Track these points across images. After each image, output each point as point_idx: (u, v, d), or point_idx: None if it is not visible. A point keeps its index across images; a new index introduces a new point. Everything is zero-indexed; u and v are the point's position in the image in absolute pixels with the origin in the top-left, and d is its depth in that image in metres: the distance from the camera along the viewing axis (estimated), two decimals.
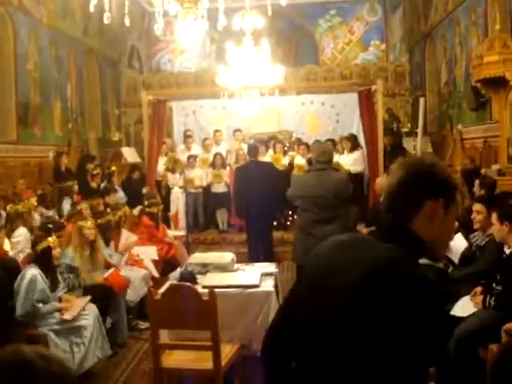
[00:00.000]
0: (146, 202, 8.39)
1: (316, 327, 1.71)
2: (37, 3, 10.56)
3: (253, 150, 8.92)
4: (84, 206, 7.20)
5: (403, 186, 1.77)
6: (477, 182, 7.01)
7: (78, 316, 5.02)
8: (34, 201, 7.71)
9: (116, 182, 10.37)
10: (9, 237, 6.37)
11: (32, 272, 4.99)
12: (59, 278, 5.38)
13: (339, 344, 1.63)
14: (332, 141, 11.20)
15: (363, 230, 7.85)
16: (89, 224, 6.11)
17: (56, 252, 5.24)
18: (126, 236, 6.98)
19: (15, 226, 6.62)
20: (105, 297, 5.76)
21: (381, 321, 1.54)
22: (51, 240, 5.21)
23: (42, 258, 5.14)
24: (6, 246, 6.18)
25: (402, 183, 1.77)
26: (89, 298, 5.28)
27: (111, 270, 6.19)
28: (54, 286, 5.22)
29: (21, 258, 6.07)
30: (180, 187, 10.81)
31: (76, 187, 9.42)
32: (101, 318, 5.27)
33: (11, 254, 6.18)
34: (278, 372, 1.99)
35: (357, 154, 10.84)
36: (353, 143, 10.93)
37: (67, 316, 4.96)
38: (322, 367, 1.69)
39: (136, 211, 8.67)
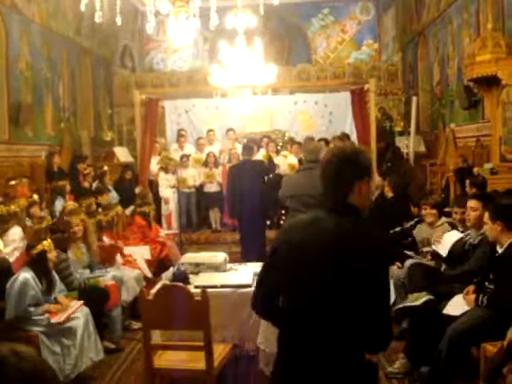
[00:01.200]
0: (138, 201, 8.39)
1: (307, 277, 2.42)
2: (28, 2, 10.52)
3: (248, 149, 8.91)
4: (70, 204, 7.19)
5: (341, 174, 2.47)
6: (467, 182, 7.04)
7: (66, 320, 4.99)
8: (25, 201, 7.68)
9: (108, 182, 10.34)
10: (1, 236, 6.34)
11: (25, 276, 4.96)
12: (57, 280, 5.35)
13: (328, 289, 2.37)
14: (325, 140, 11.20)
15: None
16: (77, 221, 6.10)
17: (52, 255, 5.21)
18: (107, 241, 6.97)
19: (11, 225, 6.60)
20: (101, 299, 5.75)
21: (363, 264, 2.33)
22: (46, 244, 5.18)
23: (37, 262, 5.10)
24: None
25: (340, 172, 2.47)
26: (81, 303, 5.25)
27: (113, 283, 6.16)
28: (49, 289, 5.19)
29: (15, 256, 6.05)
30: (172, 187, 10.78)
31: (68, 187, 9.37)
32: (93, 320, 5.24)
33: (7, 251, 6.18)
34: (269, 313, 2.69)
35: None
36: (345, 142, 10.91)
37: (54, 320, 4.93)
38: (315, 306, 2.39)
39: (128, 211, 8.64)
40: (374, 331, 2.36)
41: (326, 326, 2.36)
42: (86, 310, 5.21)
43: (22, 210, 7.23)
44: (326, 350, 2.36)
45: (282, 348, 2.54)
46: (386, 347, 2.47)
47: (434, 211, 6.17)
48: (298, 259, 2.44)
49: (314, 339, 2.37)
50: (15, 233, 6.47)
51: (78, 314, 5.09)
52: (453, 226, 5.92)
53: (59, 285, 5.39)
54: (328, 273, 2.35)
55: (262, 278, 2.64)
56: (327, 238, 2.39)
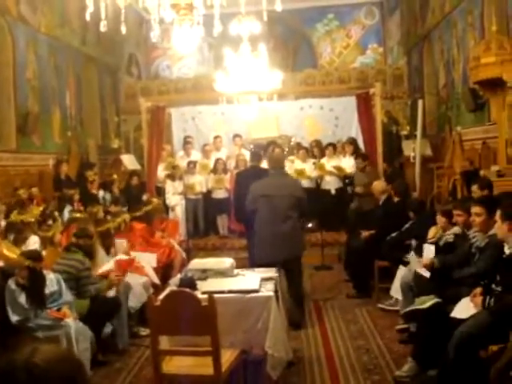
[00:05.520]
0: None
1: None
2: (34, 13, 10.61)
3: (255, 156, 8.89)
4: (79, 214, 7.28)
5: None
6: (475, 186, 6.97)
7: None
8: (38, 210, 7.72)
9: (116, 191, 10.38)
10: (20, 246, 6.34)
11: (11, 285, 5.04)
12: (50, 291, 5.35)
13: None
14: (332, 145, 11.23)
15: (364, 232, 7.87)
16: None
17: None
18: (119, 242, 7.02)
19: (27, 234, 6.63)
20: (111, 310, 5.79)
21: None
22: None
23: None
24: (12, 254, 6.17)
25: None
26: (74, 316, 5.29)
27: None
28: (36, 303, 5.16)
29: None
30: (179, 194, 10.81)
31: (77, 196, 9.38)
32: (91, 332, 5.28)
33: None
34: None
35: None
36: (355, 147, 10.95)
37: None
38: None
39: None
40: None
41: None
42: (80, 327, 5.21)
43: (35, 219, 7.27)
44: None
45: None
46: None
47: (444, 219, 6.13)
48: None
49: None
50: (35, 241, 6.51)
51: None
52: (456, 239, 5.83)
53: (65, 296, 5.39)
54: None
55: None
56: None
